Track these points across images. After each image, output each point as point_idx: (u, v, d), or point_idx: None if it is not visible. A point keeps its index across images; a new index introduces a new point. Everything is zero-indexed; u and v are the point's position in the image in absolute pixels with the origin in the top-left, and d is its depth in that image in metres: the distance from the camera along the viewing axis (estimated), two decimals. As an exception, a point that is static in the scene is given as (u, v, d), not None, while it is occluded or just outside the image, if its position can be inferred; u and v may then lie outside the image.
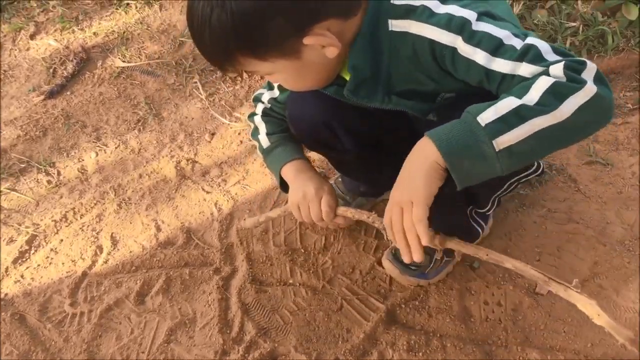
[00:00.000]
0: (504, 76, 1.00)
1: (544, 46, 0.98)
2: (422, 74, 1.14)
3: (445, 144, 0.98)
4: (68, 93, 2.42)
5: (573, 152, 1.92)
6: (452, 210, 1.48)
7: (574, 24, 2.25)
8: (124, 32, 2.65)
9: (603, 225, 1.70)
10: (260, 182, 1.97)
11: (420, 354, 1.47)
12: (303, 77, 1.17)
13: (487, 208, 1.53)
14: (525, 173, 1.31)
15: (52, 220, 1.93)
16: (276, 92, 1.48)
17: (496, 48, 1.00)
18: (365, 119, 1.34)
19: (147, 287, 1.70)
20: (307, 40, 1.04)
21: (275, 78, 1.20)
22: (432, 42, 1.06)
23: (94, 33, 2.66)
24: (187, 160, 2.10)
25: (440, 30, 1.04)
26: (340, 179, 1.82)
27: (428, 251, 1.58)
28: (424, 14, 1.05)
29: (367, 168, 1.63)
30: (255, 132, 1.55)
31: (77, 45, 2.57)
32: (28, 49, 2.64)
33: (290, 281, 1.67)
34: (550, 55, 0.97)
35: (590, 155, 1.89)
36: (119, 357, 1.54)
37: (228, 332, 1.57)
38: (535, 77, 0.95)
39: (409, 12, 1.07)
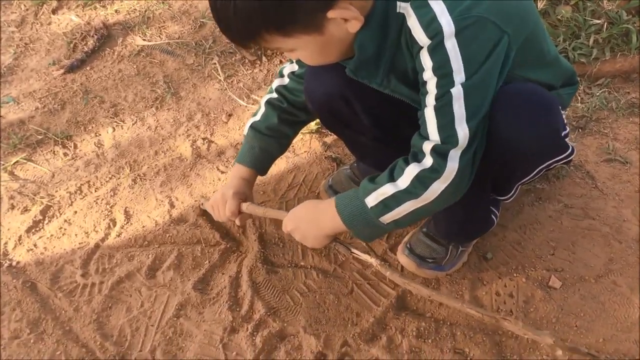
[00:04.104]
0: (423, 104, 1.15)
1: (460, 112, 1.09)
2: (413, 62, 1.15)
3: (348, 219, 1.26)
4: (87, 68, 2.42)
5: (592, 149, 1.90)
6: (474, 197, 1.46)
7: (598, 21, 2.22)
8: (145, 11, 2.65)
9: (619, 222, 1.69)
10: (275, 165, 1.94)
11: (430, 340, 1.46)
12: (324, 53, 1.18)
13: (510, 195, 1.51)
14: (560, 157, 1.30)
15: (66, 192, 1.94)
16: (295, 66, 1.50)
17: (441, 77, 1.08)
18: (383, 99, 1.33)
19: (159, 262, 1.71)
20: (331, 14, 1.05)
21: (296, 54, 1.21)
22: (411, 33, 1.09)
23: (116, 10, 2.66)
24: (203, 139, 2.10)
25: (419, 26, 1.07)
26: (355, 164, 1.82)
27: (443, 243, 1.58)
28: (418, 1, 1.07)
29: (384, 152, 1.61)
30: (256, 110, 1.61)
31: (99, 21, 2.58)
32: (50, 24, 2.65)
33: (302, 263, 1.67)
34: (454, 126, 1.10)
35: (609, 152, 1.88)
36: (128, 329, 1.55)
37: (238, 310, 1.57)
38: (412, 159, 1.18)
39: None
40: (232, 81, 2.33)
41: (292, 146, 2.01)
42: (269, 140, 1.58)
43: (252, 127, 1.58)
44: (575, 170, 1.84)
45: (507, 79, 1.16)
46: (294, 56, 1.25)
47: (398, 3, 1.09)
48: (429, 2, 1.05)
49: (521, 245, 1.66)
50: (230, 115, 2.18)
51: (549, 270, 1.59)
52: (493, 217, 1.56)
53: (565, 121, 1.31)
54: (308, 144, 2.03)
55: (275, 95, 1.55)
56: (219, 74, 2.35)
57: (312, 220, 1.35)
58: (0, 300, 1.63)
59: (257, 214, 1.56)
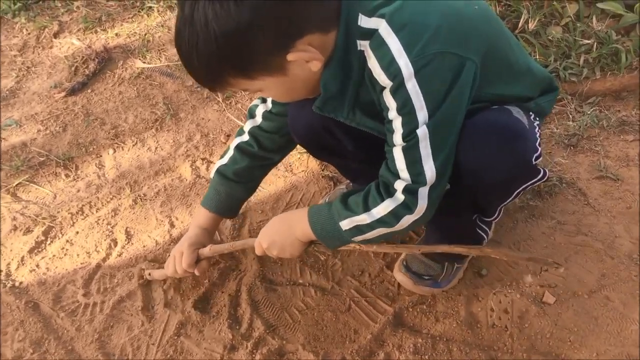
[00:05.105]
0: (391, 141, 1.19)
1: (425, 151, 1.14)
2: (378, 95, 1.17)
3: (320, 234, 1.33)
4: (89, 91, 2.47)
5: (584, 166, 1.94)
6: (459, 218, 1.50)
7: (588, 41, 2.28)
8: (145, 34, 2.70)
9: (611, 238, 1.72)
10: (273, 184, 2.00)
11: (427, 357, 1.49)
12: (292, 91, 1.21)
13: (494, 217, 1.55)
14: (532, 181, 1.33)
15: (68, 213, 1.97)
16: (269, 105, 1.50)
17: (405, 115, 1.11)
18: None
19: (160, 281, 1.73)
20: (290, 57, 1.08)
21: (266, 94, 1.24)
22: (371, 72, 1.12)
23: (116, 34, 2.72)
24: (203, 160, 2.13)
25: (379, 68, 1.09)
26: (351, 183, 1.85)
27: (439, 259, 1.60)
28: (376, 42, 1.09)
29: (373, 173, 1.65)
30: (224, 152, 1.61)
31: (100, 45, 2.63)
32: (51, 47, 2.70)
33: (300, 281, 1.70)
34: (421, 164, 1.16)
35: (600, 170, 1.92)
36: (130, 348, 1.57)
37: (237, 327, 1.59)
38: (385, 193, 1.23)
39: (368, 36, 1.10)
40: (230, 102, 2.37)
41: (290, 165, 2.05)
42: (235, 187, 1.60)
43: (218, 171, 1.59)
44: (567, 187, 1.88)
45: (476, 98, 1.17)
46: (264, 95, 1.29)
47: (358, 41, 1.11)
48: (386, 40, 1.07)
49: (515, 262, 1.69)
50: (228, 136, 2.22)
51: (542, 286, 1.62)
52: (483, 234, 1.59)
53: (539, 140, 1.28)
54: (305, 163, 2.07)
55: (246, 138, 1.56)
56: (217, 95, 2.39)
57: (286, 230, 1.40)
58: (3, 320, 1.65)
59: (223, 252, 1.59)
